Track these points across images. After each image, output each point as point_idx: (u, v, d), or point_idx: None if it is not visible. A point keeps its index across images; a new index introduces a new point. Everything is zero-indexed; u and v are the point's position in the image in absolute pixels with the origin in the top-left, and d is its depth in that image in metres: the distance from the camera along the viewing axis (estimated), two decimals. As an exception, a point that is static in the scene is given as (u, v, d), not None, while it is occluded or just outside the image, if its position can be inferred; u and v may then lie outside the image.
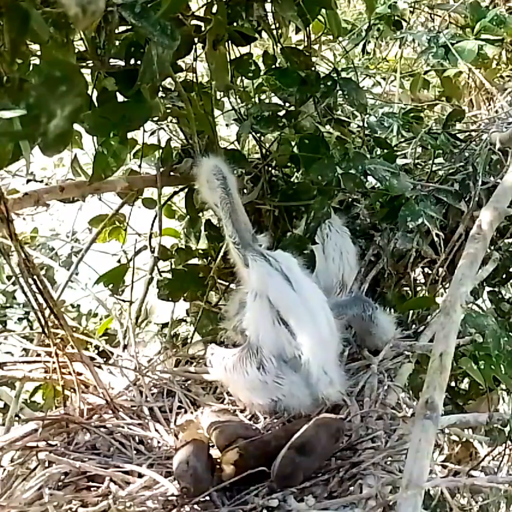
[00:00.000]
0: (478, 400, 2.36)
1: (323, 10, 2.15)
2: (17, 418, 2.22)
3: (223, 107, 2.44)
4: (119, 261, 2.91)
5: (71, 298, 3.18)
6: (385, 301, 2.25)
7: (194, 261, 2.42)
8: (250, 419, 1.80)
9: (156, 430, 1.73)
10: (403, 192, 2.14)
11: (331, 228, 2.19)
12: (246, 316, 1.82)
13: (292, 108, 2.19)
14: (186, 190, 2.40)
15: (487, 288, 2.50)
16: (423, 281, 2.52)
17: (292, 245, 2.07)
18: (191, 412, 1.83)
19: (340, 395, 1.74)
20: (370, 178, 2.22)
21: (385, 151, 2.36)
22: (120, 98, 1.62)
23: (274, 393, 1.74)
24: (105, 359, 2.11)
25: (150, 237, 2.46)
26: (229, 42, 2.03)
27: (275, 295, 1.78)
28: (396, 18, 3.16)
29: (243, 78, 2.25)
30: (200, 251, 2.42)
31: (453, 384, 2.37)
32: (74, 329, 1.96)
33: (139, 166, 2.43)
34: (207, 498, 1.42)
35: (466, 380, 2.39)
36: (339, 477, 1.46)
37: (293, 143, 2.27)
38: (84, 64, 1.59)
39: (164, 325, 2.55)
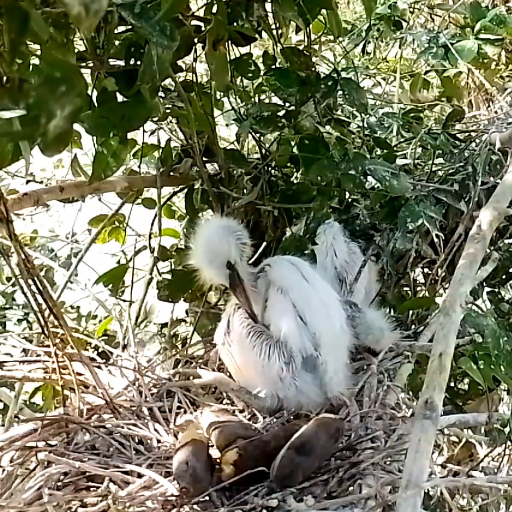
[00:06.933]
0: (477, 400, 2.36)
1: (323, 10, 2.15)
2: (16, 419, 2.23)
3: (223, 107, 2.44)
4: (118, 261, 2.91)
5: (70, 299, 3.18)
6: (385, 301, 2.25)
7: (194, 261, 2.42)
8: (249, 419, 1.80)
9: (155, 430, 1.73)
10: (403, 193, 2.14)
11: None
12: (268, 310, 1.82)
13: (292, 108, 2.19)
14: (186, 190, 2.40)
15: (487, 289, 2.50)
16: (422, 281, 2.52)
17: (292, 246, 2.08)
18: (191, 412, 1.83)
19: (342, 396, 1.74)
20: (370, 178, 2.22)
21: (385, 151, 2.36)
22: (120, 98, 1.62)
23: (282, 390, 1.73)
24: (104, 360, 2.11)
25: (150, 237, 2.46)
26: (229, 42, 2.02)
27: (294, 290, 1.80)
28: (396, 18, 3.17)
29: (243, 78, 2.25)
30: (200, 251, 2.42)
31: (452, 384, 2.36)
32: (73, 329, 1.95)
33: (139, 166, 2.43)
34: (207, 498, 1.42)
35: (466, 380, 2.39)
36: (339, 477, 1.46)
37: (292, 144, 2.27)
38: (84, 64, 1.59)
39: (164, 325, 2.55)
